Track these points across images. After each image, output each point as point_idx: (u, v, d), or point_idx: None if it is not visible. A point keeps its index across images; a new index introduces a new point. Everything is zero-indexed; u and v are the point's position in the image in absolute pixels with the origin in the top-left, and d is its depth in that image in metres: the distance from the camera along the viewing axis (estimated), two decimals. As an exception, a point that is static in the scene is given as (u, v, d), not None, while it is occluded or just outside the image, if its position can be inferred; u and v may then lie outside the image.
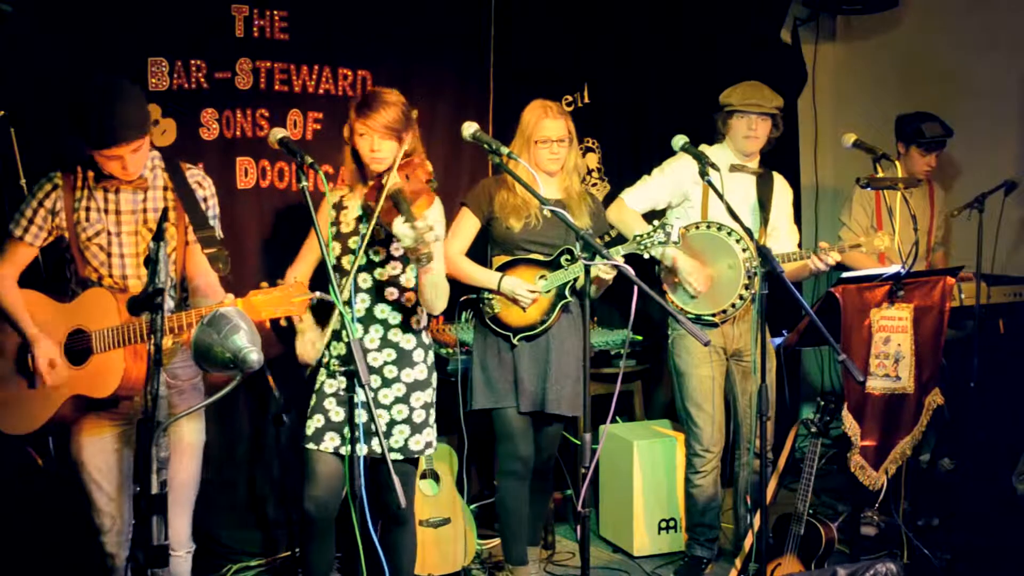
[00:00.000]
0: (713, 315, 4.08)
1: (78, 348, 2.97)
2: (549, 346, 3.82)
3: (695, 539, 4.29)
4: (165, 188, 3.10)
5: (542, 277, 3.78)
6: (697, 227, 4.11)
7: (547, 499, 4.24)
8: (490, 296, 3.80)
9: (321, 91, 4.31)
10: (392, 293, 3.33)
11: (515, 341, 3.79)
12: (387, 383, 3.34)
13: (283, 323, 2.87)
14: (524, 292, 3.74)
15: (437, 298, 3.29)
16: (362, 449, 3.25)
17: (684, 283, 4.07)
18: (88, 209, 3.02)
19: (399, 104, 3.28)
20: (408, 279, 3.35)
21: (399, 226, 3.06)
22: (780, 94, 4.24)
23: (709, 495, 4.21)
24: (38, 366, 2.96)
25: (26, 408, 3.03)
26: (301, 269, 3.44)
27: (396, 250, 3.32)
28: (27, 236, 3.02)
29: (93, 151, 2.90)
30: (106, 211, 3.03)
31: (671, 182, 4.17)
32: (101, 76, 2.93)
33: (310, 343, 3.27)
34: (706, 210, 4.12)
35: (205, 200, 3.14)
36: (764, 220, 4.18)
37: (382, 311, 3.34)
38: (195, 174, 3.17)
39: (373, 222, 3.19)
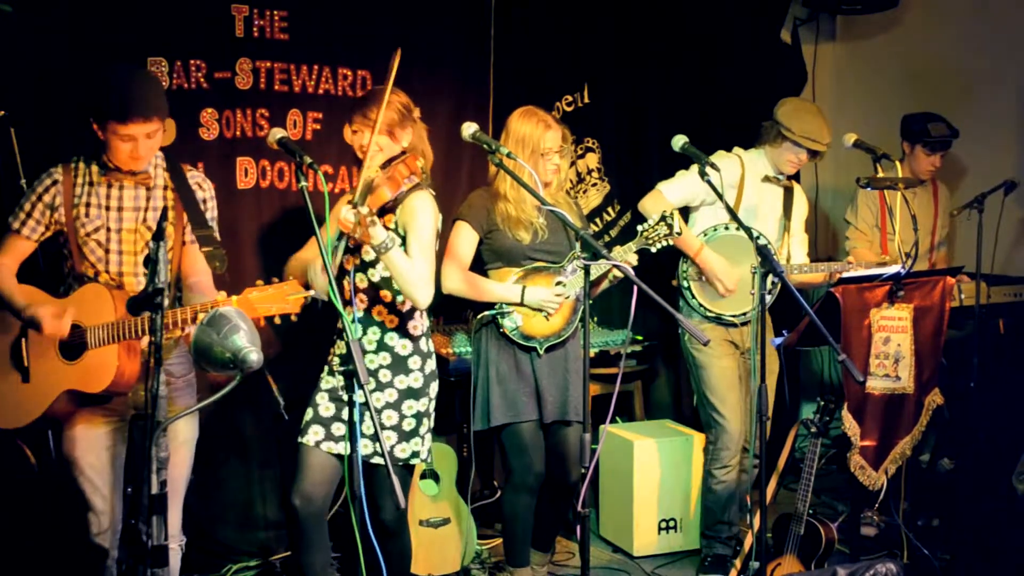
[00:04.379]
0: (734, 316, 4.09)
1: (73, 343, 2.97)
2: (567, 352, 3.81)
3: (715, 538, 4.24)
4: (165, 187, 3.11)
5: (559, 283, 3.76)
6: (727, 228, 4.13)
7: (567, 510, 4.13)
8: (510, 309, 3.74)
9: (321, 91, 4.31)
10: (387, 295, 3.32)
11: (542, 352, 3.74)
12: (380, 387, 3.33)
13: (277, 320, 2.87)
14: (551, 300, 3.70)
15: (410, 286, 3.18)
16: (350, 449, 3.24)
17: (714, 282, 4.07)
18: (88, 205, 3.03)
19: (395, 102, 3.28)
20: None
21: (344, 211, 3.06)
22: (781, 94, 4.24)
23: (731, 491, 4.17)
24: (44, 325, 2.90)
25: (19, 402, 3.03)
26: (307, 254, 3.37)
27: None
28: (24, 230, 3.04)
29: (110, 124, 2.89)
30: (107, 207, 3.04)
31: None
32: (124, 64, 2.99)
33: (321, 272, 3.20)
34: (736, 211, 4.11)
35: (204, 202, 3.16)
36: (787, 228, 4.26)
37: (379, 312, 3.33)
38: (195, 175, 3.19)
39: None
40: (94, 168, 3.04)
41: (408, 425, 3.35)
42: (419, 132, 3.38)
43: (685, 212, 4.21)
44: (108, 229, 3.04)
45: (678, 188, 4.17)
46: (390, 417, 3.33)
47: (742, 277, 4.07)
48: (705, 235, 4.15)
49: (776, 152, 4.19)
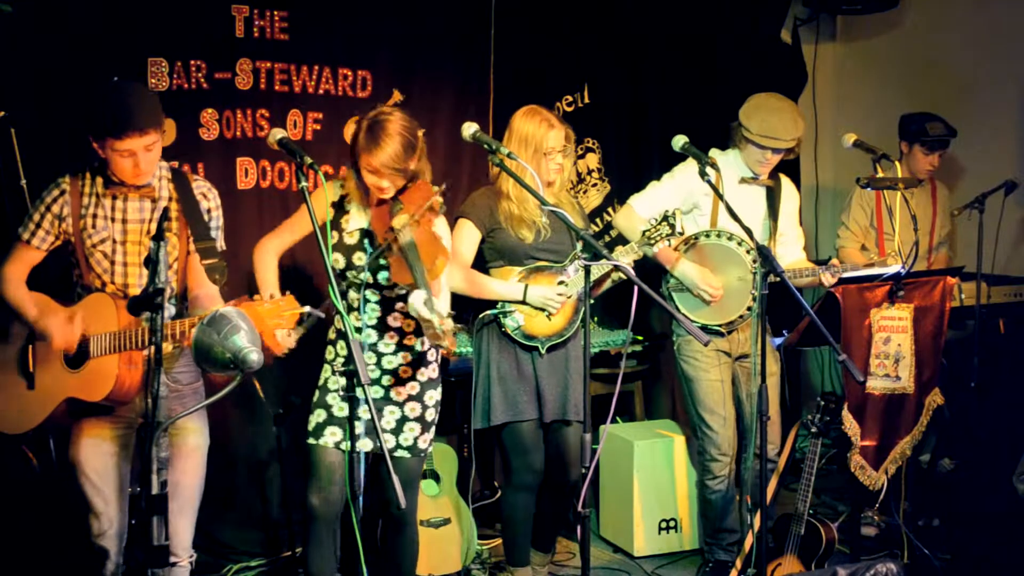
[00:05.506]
0: (719, 326, 4.05)
1: (77, 351, 2.97)
2: (568, 352, 3.81)
3: (717, 544, 4.22)
4: (170, 199, 3.09)
5: (561, 283, 3.76)
6: (707, 236, 4.03)
7: (568, 510, 4.11)
8: (512, 309, 3.73)
9: (321, 91, 4.31)
10: (403, 307, 3.31)
11: (543, 352, 3.74)
12: (401, 381, 3.33)
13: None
14: (554, 299, 3.70)
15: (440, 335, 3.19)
16: (364, 445, 3.25)
17: (697, 292, 4.00)
18: (95, 216, 3.02)
19: (402, 134, 3.12)
20: None
21: (420, 306, 2.94)
22: (782, 94, 4.20)
23: (728, 499, 4.16)
24: (54, 339, 2.92)
25: (23, 408, 3.04)
26: (276, 242, 3.34)
27: None
28: (34, 240, 3.03)
29: (108, 141, 2.88)
30: (113, 219, 3.03)
31: (682, 189, 4.04)
32: (116, 78, 2.96)
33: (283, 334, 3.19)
34: (715, 218, 4.04)
35: (209, 211, 3.13)
36: (773, 229, 4.12)
37: (395, 319, 3.33)
38: (201, 185, 3.16)
39: (386, 275, 3.14)
40: (99, 181, 3.03)
41: (430, 415, 3.37)
42: (422, 151, 3.24)
43: None
44: (114, 241, 3.03)
45: (651, 200, 4.04)
46: (413, 409, 3.34)
47: (724, 286, 4.00)
48: (685, 244, 4.06)
49: (744, 154, 4.06)
